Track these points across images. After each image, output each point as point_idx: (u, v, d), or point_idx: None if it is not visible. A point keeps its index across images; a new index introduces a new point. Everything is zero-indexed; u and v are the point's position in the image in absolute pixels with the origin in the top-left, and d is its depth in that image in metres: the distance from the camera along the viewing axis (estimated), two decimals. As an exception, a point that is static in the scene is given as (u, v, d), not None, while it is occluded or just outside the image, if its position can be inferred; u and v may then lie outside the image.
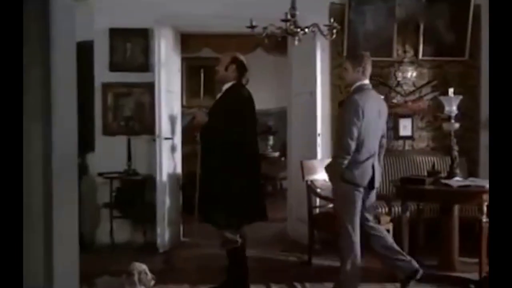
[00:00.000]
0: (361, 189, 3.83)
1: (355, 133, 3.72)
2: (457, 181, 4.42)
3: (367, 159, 3.82)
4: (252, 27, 4.02)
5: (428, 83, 5.97)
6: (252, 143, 4.06)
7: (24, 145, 1.19)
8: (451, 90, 4.64)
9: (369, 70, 3.92)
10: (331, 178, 3.97)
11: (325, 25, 4.13)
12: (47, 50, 1.29)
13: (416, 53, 5.92)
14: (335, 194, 4.04)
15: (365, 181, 3.83)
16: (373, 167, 3.87)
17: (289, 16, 3.96)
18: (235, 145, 3.84)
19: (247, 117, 3.94)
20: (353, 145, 3.72)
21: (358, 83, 3.88)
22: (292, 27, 3.98)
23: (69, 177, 1.45)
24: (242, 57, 4.09)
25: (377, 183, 3.94)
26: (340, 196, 3.91)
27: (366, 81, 3.91)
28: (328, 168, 3.98)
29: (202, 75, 4.86)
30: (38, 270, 1.36)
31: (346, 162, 3.74)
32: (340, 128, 3.95)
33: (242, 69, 4.01)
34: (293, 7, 3.98)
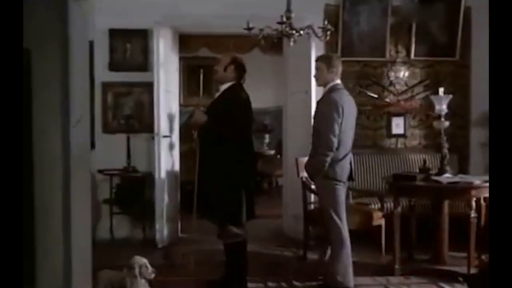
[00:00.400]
0: (342, 184, 4.02)
1: (337, 130, 3.89)
2: (447, 177, 4.56)
3: (345, 156, 4.01)
4: (249, 29, 4.15)
5: (420, 82, 6.11)
6: (250, 144, 4.18)
7: (46, 144, 1.31)
8: (441, 90, 4.77)
9: (340, 70, 4.12)
10: (312, 176, 4.14)
11: (319, 27, 4.26)
12: (66, 51, 1.40)
13: (408, 53, 6.06)
14: (319, 191, 4.20)
15: (345, 177, 4.04)
16: (350, 163, 4.07)
17: (284, 19, 4.09)
18: (232, 145, 3.97)
19: (245, 119, 4.06)
20: (335, 142, 3.89)
21: (332, 83, 4.06)
22: (287, 29, 4.11)
23: (83, 175, 1.55)
24: (241, 58, 4.21)
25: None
26: (324, 192, 4.08)
27: (339, 81, 4.11)
28: (308, 167, 4.14)
29: (201, 75, 4.99)
30: (57, 265, 1.47)
31: (329, 159, 3.90)
32: (320, 126, 4.03)
33: (241, 69, 4.10)
34: (288, 10, 4.11)
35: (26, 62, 1.21)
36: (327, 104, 4.01)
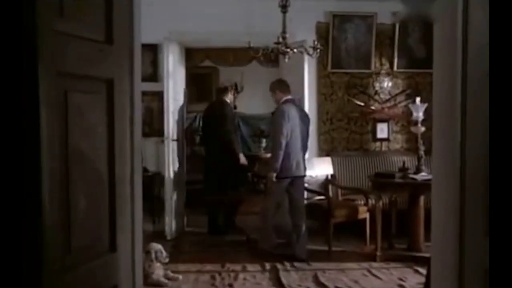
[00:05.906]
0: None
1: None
2: (422, 175, 5.17)
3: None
4: (250, 48, 4.77)
5: (402, 92, 6.69)
6: None
7: (122, 143, 1.81)
8: (417, 99, 5.39)
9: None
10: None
11: (310, 46, 4.89)
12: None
13: (391, 66, 6.63)
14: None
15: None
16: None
17: (280, 39, 4.71)
18: None
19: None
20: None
21: (284, 98, 5.17)
22: (283, 48, 4.73)
23: (139, 166, 1.97)
24: None
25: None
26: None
27: (290, 96, 5.23)
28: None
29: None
30: (128, 237, 1.76)
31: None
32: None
33: None
34: (284, 32, 4.72)
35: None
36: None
